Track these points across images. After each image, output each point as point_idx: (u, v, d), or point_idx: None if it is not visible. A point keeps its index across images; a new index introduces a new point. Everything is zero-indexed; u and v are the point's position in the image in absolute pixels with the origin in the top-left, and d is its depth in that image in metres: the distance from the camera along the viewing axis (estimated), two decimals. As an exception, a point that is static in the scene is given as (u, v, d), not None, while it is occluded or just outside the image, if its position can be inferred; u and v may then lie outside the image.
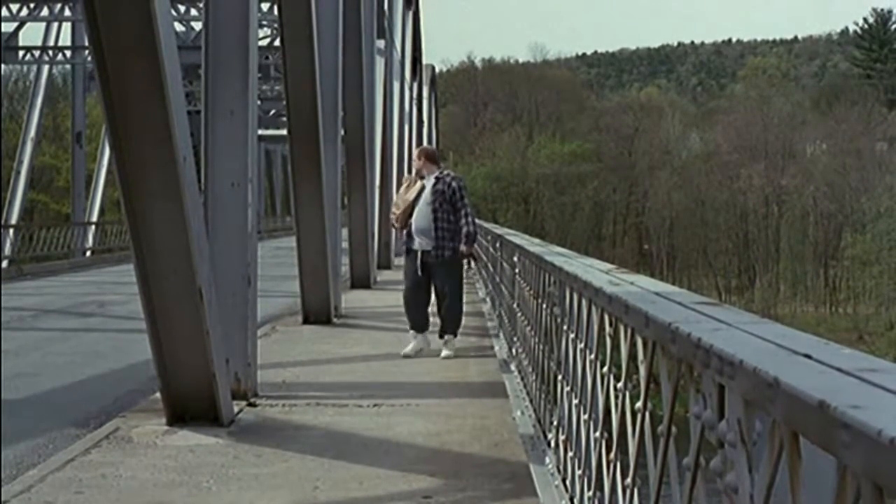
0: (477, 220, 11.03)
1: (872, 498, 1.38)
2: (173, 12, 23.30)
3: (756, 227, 62.08)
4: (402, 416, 7.13)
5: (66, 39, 32.68)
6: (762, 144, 64.18)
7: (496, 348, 10.22)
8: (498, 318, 11.62)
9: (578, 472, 4.47)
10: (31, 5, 30.19)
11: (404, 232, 10.08)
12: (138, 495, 5.23)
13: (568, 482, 4.79)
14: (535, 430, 6.21)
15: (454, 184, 9.85)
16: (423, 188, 9.88)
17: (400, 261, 15.35)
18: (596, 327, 4.17)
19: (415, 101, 36.82)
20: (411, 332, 9.99)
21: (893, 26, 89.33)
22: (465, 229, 9.80)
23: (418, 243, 9.87)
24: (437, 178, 9.89)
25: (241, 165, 7.34)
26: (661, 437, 2.78)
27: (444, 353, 9.76)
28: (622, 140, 68.97)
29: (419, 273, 9.86)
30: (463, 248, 9.85)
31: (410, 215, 9.84)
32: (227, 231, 7.30)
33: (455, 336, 9.96)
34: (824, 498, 1.58)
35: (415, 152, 10.72)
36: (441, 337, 9.90)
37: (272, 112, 44.97)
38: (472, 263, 10.31)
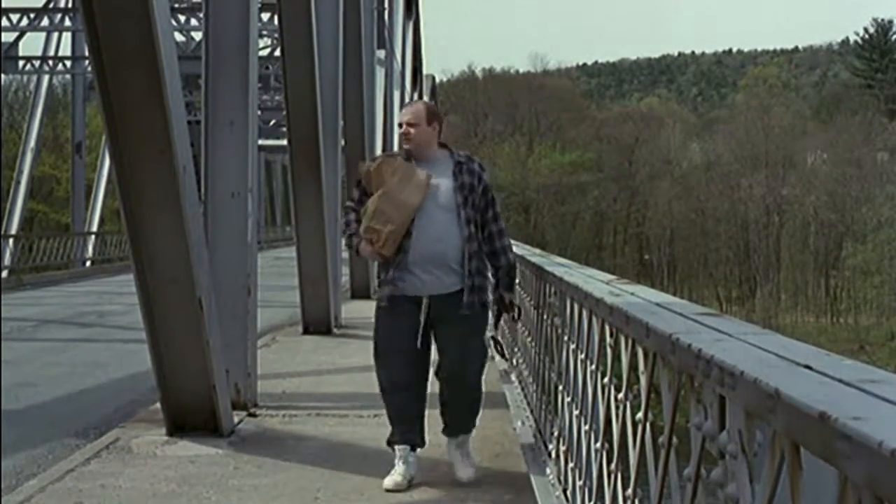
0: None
1: (874, 510, 1.38)
2: (173, 22, 23.27)
3: (757, 237, 62.08)
4: (403, 426, 7.10)
5: (66, 49, 32.74)
6: (763, 154, 64.20)
7: (496, 359, 10.18)
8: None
9: (579, 483, 4.47)
10: (32, 15, 30.26)
11: (379, 262, 5.61)
12: (138, 506, 5.22)
13: (569, 493, 4.78)
14: (535, 441, 6.20)
15: (484, 175, 5.53)
16: (428, 180, 5.37)
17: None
18: (597, 338, 4.17)
19: (415, 111, 36.79)
20: (400, 448, 5.57)
21: (894, 36, 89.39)
22: (504, 258, 5.56)
23: (421, 283, 5.38)
24: (458, 163, 5.49)
25: (241, 175, 7.34)
26: (662, 448, 2.78)
27: (465, 471, 5.62)
28: (623, 150, 68.99)
29: (420, 339, 5.38)
30: (503, 292, 5.61)
31: (409, 233, 5.38)
32: (227, 241, 7.30)
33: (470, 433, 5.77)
34: (825, 509, 1.57)
35: (418, 106, 5.61)
36: (454, 435, 5.71)
37: (272, 122, 44.98)
38: (514, 315, 5.91)
